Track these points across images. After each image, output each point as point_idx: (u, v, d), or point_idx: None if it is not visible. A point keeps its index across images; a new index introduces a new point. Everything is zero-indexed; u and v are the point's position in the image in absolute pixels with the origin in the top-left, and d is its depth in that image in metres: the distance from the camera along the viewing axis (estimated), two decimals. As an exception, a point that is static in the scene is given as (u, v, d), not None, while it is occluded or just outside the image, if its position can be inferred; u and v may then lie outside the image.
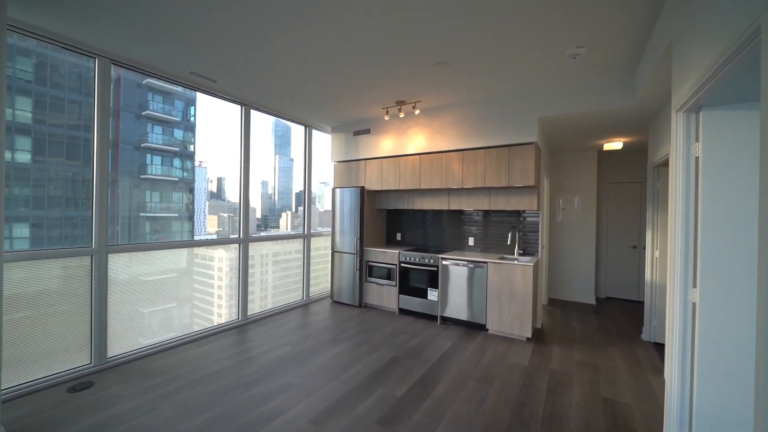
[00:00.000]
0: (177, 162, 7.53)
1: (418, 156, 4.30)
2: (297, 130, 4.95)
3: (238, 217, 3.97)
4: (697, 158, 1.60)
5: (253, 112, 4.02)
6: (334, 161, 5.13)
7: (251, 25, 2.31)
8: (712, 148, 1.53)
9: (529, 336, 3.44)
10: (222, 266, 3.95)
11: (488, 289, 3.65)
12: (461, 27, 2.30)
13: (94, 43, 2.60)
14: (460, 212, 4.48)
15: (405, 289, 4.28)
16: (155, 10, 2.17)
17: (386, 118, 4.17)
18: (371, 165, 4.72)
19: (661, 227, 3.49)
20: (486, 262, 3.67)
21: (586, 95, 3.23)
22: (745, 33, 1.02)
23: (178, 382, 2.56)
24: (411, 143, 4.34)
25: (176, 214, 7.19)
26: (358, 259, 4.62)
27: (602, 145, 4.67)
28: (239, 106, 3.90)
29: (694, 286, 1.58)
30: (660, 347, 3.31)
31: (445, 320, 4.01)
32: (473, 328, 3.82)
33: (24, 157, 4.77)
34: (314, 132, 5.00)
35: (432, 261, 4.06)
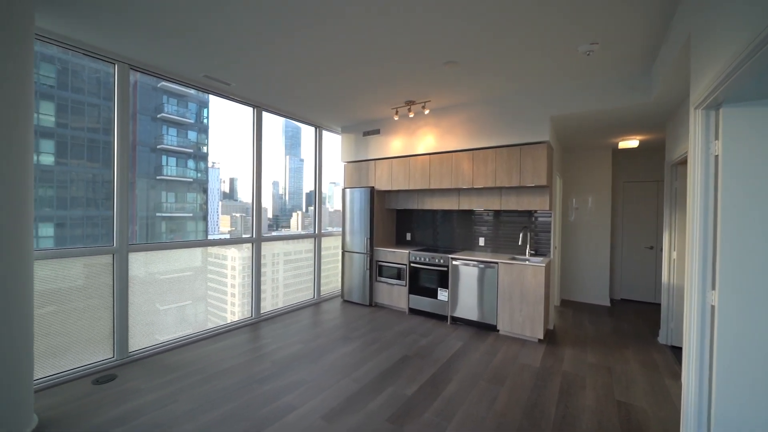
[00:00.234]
0: (191, 163, 7.70)
1: (428, 156, 4.30)
2: (307, 131, 5.01)
3: (250, 217, 4.05)
4: (716, 157, 1.56)
5: (264, 114, 4.09)
6: (344, 161, 5.17)
7: (263, 29, 2.36)
8: (732, 146, 1.49)
9: (541, 337, 3.41)
10: (235, 265, 4.04)
11: (499, 290, 3.63)
12: (471, 25, 2.29)
13: (113, 49, 2.69)
14: (471, 212, 4.45)
15: (415, 288, 4.29)
16: (172, 17, 2.23)
17: (396, 118, 4.17)
18: (381, 165, 4.73)
19: (679, 227, 3.39)
20: (497, 263, 3.65)
21: (601, 92, 3.17)
22: None
23: (195, 376, 2.64)
24: (420, 143, 4.34)
25: (191, 214, 7.37)
26: (368, 258, 4.65)
27: (617, 143, 4.57)
28: (251, 108, 3.97)
29: (713, 288, 1.54)
30: (677, 351, 3.23)
31: (456, 320, 4.00)
32: (484, 328, 3.80)
33: (48, 159, 4.98)
34: (324, 133, 5.05)
35: (442, 261, 4.05)
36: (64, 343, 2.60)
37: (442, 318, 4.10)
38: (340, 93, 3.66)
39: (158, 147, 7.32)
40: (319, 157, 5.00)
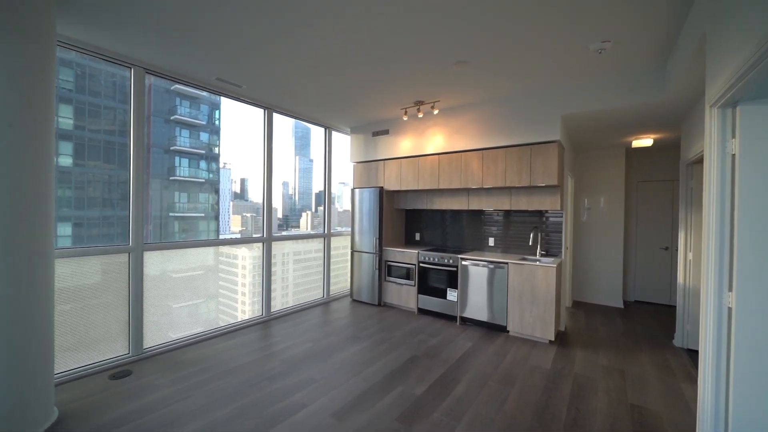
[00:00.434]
0: (203, 164, 7.84)
1: (437, 156, 4.29)
2: (316, 132, 5.05)
3: (261, 217, 4.11)
4: (733, 155, 1.52)
5: (275, 115, 4.14)
6: (354, 162, 5.20)
7: (273, 32, 2.40)
8: (749, 145, 1.45)
9: (552, 339, 3.37)
10: (245, 264, 4.10)
11: (509, 290, 3.60)
12: (482, 26, 2.29)
13: (130, 54, 2.77)
14: (480, 212, 4.43)
15: (424, 288, 4.28)
16: (186, 22, 2.29)
17: (405, 118, 4.18)
18: (390, 165, 4.75)
19: (695, 228, 3.31)
20: (507, 263, 3.62)
21: (613, 91, 3.12)
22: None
23: (207, 373, 2.69)
24: (430, 143, 4.34)
25: (203, 214, 7.50)
26: (377, 258, 4.66)
27: (631, 142, 4.48)
28: (262, 110, 4.03)
29: (730, 289, 1.51)
30: (693, 354, 3.15)
31: (465, 321, 3.98)
32: (493, 329, 3.77)
33: (66, 161, 5.14)
34: (334, 133, 5.09)
35: (451, 261, 4.04)
36: (82, 339, 2.69)
37: (451, 318, 4.09)
38: (350, 94, 3.69)
39: (171, 148, 7.48)
40: (328, 157, 5.04)
